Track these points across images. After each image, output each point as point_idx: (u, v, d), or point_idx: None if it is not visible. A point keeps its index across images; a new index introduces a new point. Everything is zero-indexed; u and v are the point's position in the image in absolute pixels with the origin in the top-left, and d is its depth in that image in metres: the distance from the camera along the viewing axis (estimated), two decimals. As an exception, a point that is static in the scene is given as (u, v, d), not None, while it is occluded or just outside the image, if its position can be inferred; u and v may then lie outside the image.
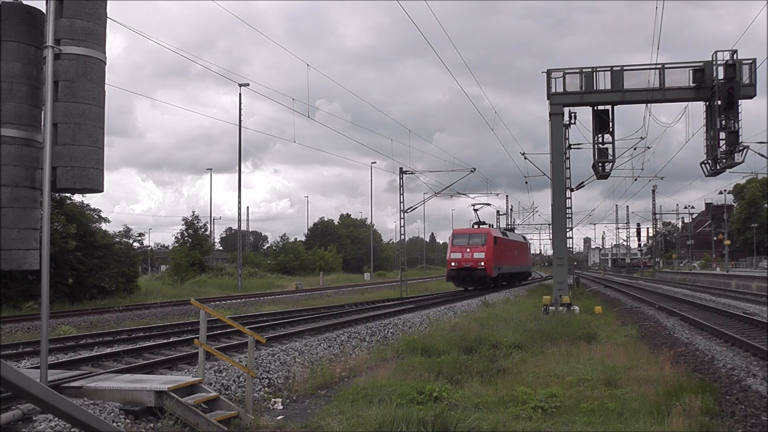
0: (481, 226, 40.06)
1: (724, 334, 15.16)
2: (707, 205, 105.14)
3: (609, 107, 24.74)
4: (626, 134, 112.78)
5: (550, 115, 24.50)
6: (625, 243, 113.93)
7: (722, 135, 23.02)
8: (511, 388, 8.93)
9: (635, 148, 27.21)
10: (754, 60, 22.91)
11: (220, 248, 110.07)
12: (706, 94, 23.34)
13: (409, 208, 39.26)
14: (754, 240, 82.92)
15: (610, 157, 25.15)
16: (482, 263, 35.74)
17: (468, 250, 36.25)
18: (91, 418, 2.13)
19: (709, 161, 23.91)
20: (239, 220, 45.82)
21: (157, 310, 24.75)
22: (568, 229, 26.79)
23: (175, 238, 52.93)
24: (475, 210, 42.81)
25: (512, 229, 53.10)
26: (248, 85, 37.28)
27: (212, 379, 9.60)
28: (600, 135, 25.08)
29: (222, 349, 11.76)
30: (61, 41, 6.93)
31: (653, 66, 23.88)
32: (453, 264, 36.50)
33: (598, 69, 24.07)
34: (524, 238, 54.13)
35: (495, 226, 47.07)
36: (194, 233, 50.55)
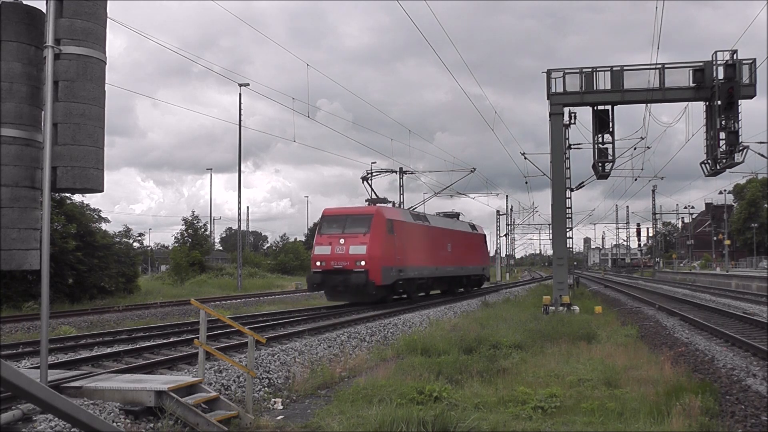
0: (375, 205, 25.99)
1: (724, 334, 15.16)
2: (707, 205, 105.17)
3: (609, 107, 24.73)
4: (626, 134, 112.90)
5: (550, 115, 24.49)
6: (625, 243, 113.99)
7: (722, 135, 23.02)
8: (511, 388, 8.93)
9: (635, 148, 27.24)
10: (754, 60, 22.91)
11: (220, 248, 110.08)
12: (706, 94, 23.33)
13: (409, 208, 39.24)
14: (754, 240, 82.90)
15: (610, 157, 25.14)
16: (362, 262, 22.40)
17: (342, 241, 23.08)
18: (91, 418, 2.13)
19: (709, 161, 23.90)
20: (239, 220, 45.81)
21: (157, 310, 24.75)
22: (568, 229, 26.79)
23: (175, 238, 52.96)
24: (366, 179, 28.00)
25: (455, 215, 36.19)
26: (248, 85, 37.22)
27: (212, 379, 9.59)
28: (600, 135, 25.07)
29: (222, 349, 11.76)
30: (61, 41, 6.93)
31: (653, 66, 23.88)
32: (318, 264, 23.13)
33: (598, 69, 24.06)
34: (474, 227, 37.78)
35: (400, 205, 29.44)
36: (194, 233, 50.55)
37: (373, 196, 27.88)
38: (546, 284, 46.26)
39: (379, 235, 23.35)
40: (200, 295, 31.79)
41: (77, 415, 2.07)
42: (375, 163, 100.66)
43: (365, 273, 22.51)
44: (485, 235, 40.05)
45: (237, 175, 31.71)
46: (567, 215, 26.15)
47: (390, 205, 27.12)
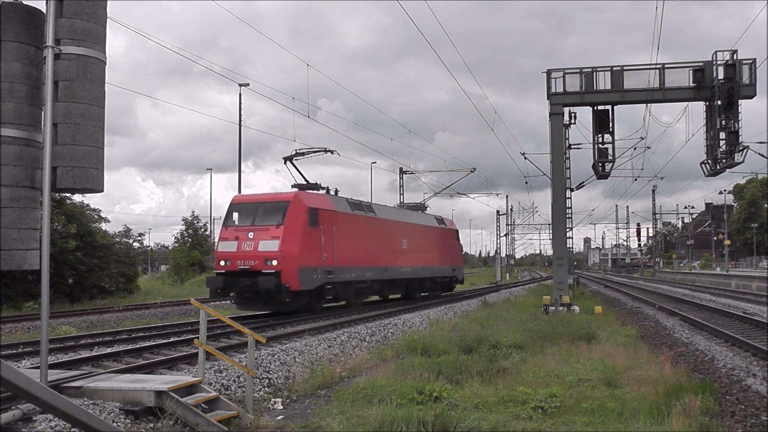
0: (297, 190, 20.83)
1: (724, 334, 15.16)
2: (707, 205, 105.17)
3: (609, 107, 24.73)
4: (626, 134, 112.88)
5: (550, 115, 24.49)
6: (625, 243, 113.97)
7: (722, 135, 23.02)
8: (511, 388, 8.93)
9: (635, 148, 27.24)
10: (754, 60, 22.91)
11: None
12: (706, 94, 23.33)
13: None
14: (754, 240, 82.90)
15: (610, 157, 25.13)
16: (273, 261, 18.11)
17: (250, 236, 18.77)
18: (91, 418, 2.13)
19: (709, 161, 23.90)
20: (239, 220, 45.62)
21: (157, 310, 24.75)
22: (568, 229, 26.79)
23: (175, 238, 52.99)
24: (290, 159, 21.89)
25: (421, 207, 31.76)
26: (248, 85, 37.17)
27: (212, 379, 9.59)
28: (600, 135, 25.06)
29: (222, 349, 11.76)
30: (61, 41, 6.93)
31: (653, 66, 23.88)
32: (222, 263, 18.81)
33: (598, 69, 24.06)
34: (441, 220, 32.07)
35: (334, 191, 22.53)
36: (194, 233, 50.57)
37: (303, 182, 21.90)
38: (546, 284, 46.26)
39: (297, 228, 18.75)
40: (200, 295, 31.79)
41: (77, 415, 2.07)
42: (375, 163, 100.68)
43: (276, 275, 17.84)
44: (457, 231, 33.99)
45: (237, 174, 31.31)
46: (567, 215, 26.15)
47: (323, 191, 21.85)
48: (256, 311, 19.85)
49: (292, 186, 21.60)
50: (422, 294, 29.57)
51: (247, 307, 19.63)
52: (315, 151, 22.41)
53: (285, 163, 22.20)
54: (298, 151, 22.20)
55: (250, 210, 19.55)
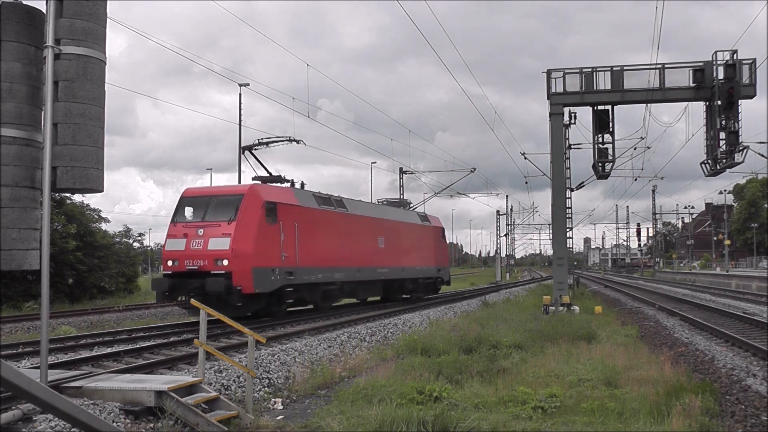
0: (253, 183, 19.49)
1: (724, 334, 15.16)
2: (707, 205, 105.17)
3: (609, 107, 24.73)
4: (626, 134, 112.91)
5: (550, 115, 24.50)
6: (625, 243, 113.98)
7: (722, 135, 23.01)
8: (511, 388, 8.93)
9: (635, 148, 27.24)
10: (754, 60, 22.91)
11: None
12: (706, 94, 23.34)
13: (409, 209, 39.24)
14: (754, 240, 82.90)
15: (610, 157, 25.14)
16: (224, 261, 16.52)
17: (200, 233, 17.07)
18: (91, 418, 2.13)
19: (709, 161, 23.90)
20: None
21: (157, 310, 24.74)
22: (568, 229, 26.79)
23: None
24: (250, 149, 20.47)
25: (403, 204, 29.70)
26: (248, 85, 37.16)
27: (212, 379, 9.60)
28: (600, 135, 25.06)
29: (222, 349, 11.77)
30: (61, 41, 6.94)
31: (653, 66, 23.88)
32: (169, 263, 17.17)
33: (598, 69, 24.07)
34: (425, 217, 30.24)
35: (300, 185, 20.79)
36: (194, 233, 50.44)
37: (267, 174, 20.21)
38: (546, 284, 46.25)
39: (252, 224, 17.09)
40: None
41: (77, 415, 2.07)
42: (375, 163, 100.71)
43: (227, 276, 16.20)
44: (443, 229, 31.78)
45: (237, 175, 31.10)
46: (567, 215, 26.15)
47: (287, 184, 20.12)
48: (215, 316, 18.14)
49: (253, 179, 20.00)
50: (404, 296, 27.71)
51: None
52: (278, 140, 20.61)
53: (243, 153, 20.47)
54: (260, 140, 20.50)
55: (201, 204, 17.70)
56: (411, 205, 30.20)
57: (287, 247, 18.27)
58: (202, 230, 17.10)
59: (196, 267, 16.75)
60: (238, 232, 16.85)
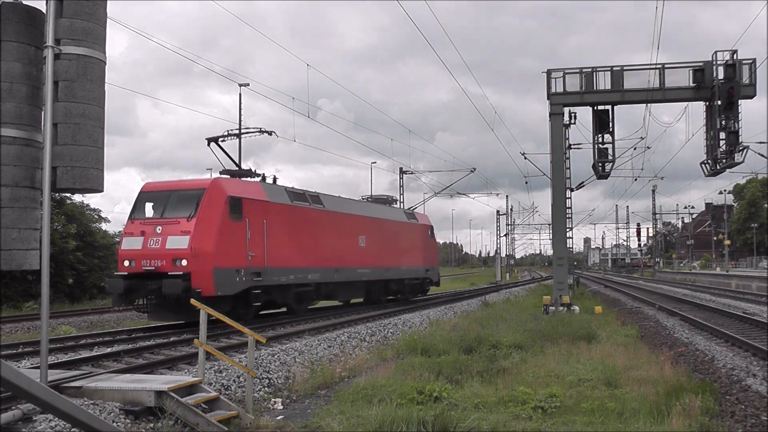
0: (217, 177, 18.03)
1: (724, 334, 15.16)
2: (707, 205, 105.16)
3: (609, 107, 24.73)
4: (626, 134, 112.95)
5: (550, 115, 24.50)
6: (625, 243, 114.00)
7: (722, 135, 23.02)
8: (511, 388, 8.93)
9: (635, 148, 27.26)
10: (754, 60, 22.91)
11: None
12: (706, 94, 23.34)
13: (409, 208, 39.23)
14: (754, 240, 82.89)
15: (610, 157, 25.14)
16: (182, 261, 15.39)
17: (158, 230, 15.96)
18: (91, 418, 2.13)
19: (709, 161, 23.91)
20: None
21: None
22: (568, 229, 26.79)
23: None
24: (215, 140, 19.08)
25: (387, 201, 28.19)
26: (248, 85, 37.10)
27: (212, 379, 9.60)
28: (600, 135, 25.07)
29: (222, 349, 11.77)
30: (61, 41, 6.94)
31: (653, 66, 23.89)
32: (126, 264, 16.01)
33: (598, 69, 24.07)
34: (412, 215, 29.20)
35: (272, 179, 19.88)
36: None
37: (234, 168, 18.83)
38: (546, 284, 46.25)
39: (213, 221, 15.89)
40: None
41: (77, 415, 2.07)
42: (375, 163, 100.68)
43: (185, 278, 15.05)
44: (431, 227, 30.41)
45: (273, 182, 30.76)
46: (567, 215, 26.15)
47: (258, 178, 18.95)
48: (168, 321, 16.71)
49: (221, 172, 18.68)
50: (389, 298, 26.57)
51: (159, 316, 16.31)
52: (249, 132, 19.49)
53: (209, 145, 18.80)
54: (229, 131, 19.53)
55: (160, 199, 16.39)
56: (397, 202, 28.78)
57: (254, 246, 17.04)
58: (160, 228, 15.89)
59: (153, 268, 15.54)
60: (199, 229, 15.63)
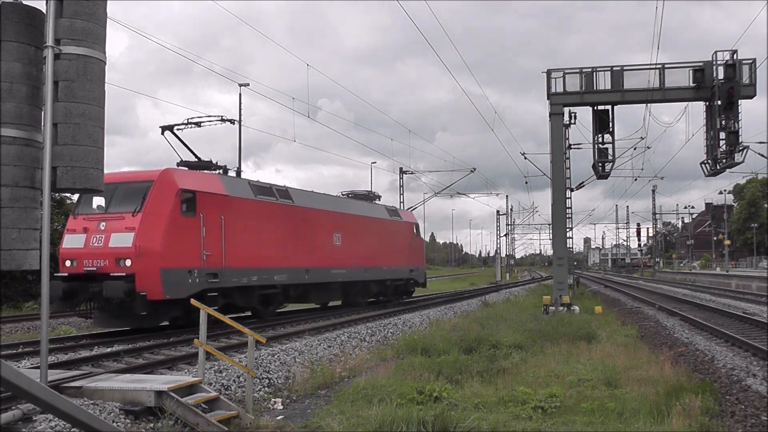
0: (168, 168, 15.79)
1: (724, 334, 15.16)
2: (707, 205, 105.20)
3: (609, 107, 24.74)
4: (626, 134, 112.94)
5: (550, 115, 24.51)
6: (625, 243, 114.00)
7: (722, 135, 23.03)
8: (511, 388, 8.93)
9: (635, 148, 27.28)
10: (754, 60, 22.92)
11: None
12: (706, 94, 23.34)
13: (409, 208, 39.28)
14: (754, 240, 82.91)
15: (610, 157, 25.15)
16: (126, 261, 14.11)
17: (102, 226, 14.64)
18: (91, 418, 2.14)
19: (709, 161, 23.91)
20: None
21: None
22: (568, 229, 26.79)
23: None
24: (170, 129, 17.11)
25: (372, 197, 26.43)
26: (248, 85, 37.07)
27: (212, 379, 9.60)
28: (600, 135, 25.08)
29: (222, 349, 11.77)
30: (61, 41, 6.94)
31: (653, 66, 23.89)
32: (67, 264, 14.95)
33: (598, 69, 24.08)
34: (395, 212, 27.46)
35: (235, 172, 19.22)
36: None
37: (193, 159, 17.16)
38: (546, 284, 46.26)
39: (162, 216, 14.49)
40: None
41: (77, 415, 2.07)
42: (375, 163, 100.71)
43: (129, 279, 13.80)
44: (416, 225, 28.84)
45: (237, 174, 30.74)
46: (567, 215, 26.15)
47: (218, 171, 17.38)
48: (112, 327, 15.26)
49: (178, 164, 16.97)
50: (369, 300, 25.21)
51: (103, 322, 14.86)
52: (210, 120, 17.65)
53: (163, 133, 17.07)
54: (189, 119, 17.53)
55: (106, 192, 14.20)
56: (380, 198, 27.05)
57: (210, 245, 15.49)
58: (104, 224, 14.51)
59: (95, 268, 14.17)
60: (145, 225, 14.22)
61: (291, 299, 19.82)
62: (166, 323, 16.32)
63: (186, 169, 16.63)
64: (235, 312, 17.42)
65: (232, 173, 18.03)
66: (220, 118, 17.70)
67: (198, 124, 17.51)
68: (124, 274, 13.91)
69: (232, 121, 18.06)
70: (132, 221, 14.27)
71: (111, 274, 13.98)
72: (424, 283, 29.58)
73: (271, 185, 19.01)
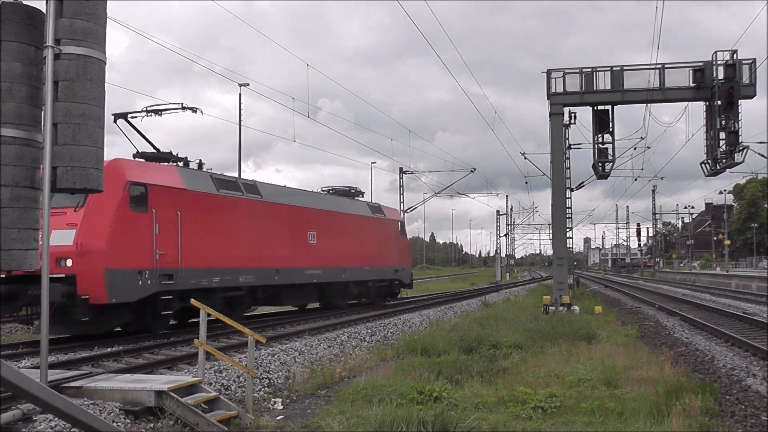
0: (117, 158, 14.34)
1: (724, 334, 15.16)
2: (707, 205, 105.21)
3: (609, 107, 24.74)
4: (626, 134, 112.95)
5: (550, 115, 24.51)
6: (625, 243, 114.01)
7: (722, 135, 23.03)
8: (511, 388, 8.93)
9: (635, 148, 27.28)
10: (754, 60, 22.91)
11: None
12: (706, 94, 23.34)
13: (409, 208, 39.35)
14: (754, 240, 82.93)
15: (610, 157, 25.15)
16: (67, 261, 12.93)
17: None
18: (91, 418, 2.14)
19: (709, 161, 23.91)
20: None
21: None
22: (568, 229, 26.79)
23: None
24: (123, 117, 15.81)
25: (353, 194, 24.61)
26: (248, 85, 37.04)
27: (212, 379, 9.60)
28: (600, 135, 25.07)
29: (222, 349, 11.77)
30: (61, 41, 6.94)
31: (653, 66, 23.89)
32: None
33: (598, 69, 24.08)
34: (378, 209, 25.72)
35: (197, 165, 17.04)
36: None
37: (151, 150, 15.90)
38: (546, 284, 46.26)
39: (108, 211, 13.37)
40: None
41: (77, 415, 2.07)
42: (375, 163, 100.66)
43: (69, 281, 12.72)
44: (402, 222, 27.46)
45: (237, 174, 30.82)
46: (567, 215, 26.15)
47: (180, 164, 16.15)
48: (55, 334, 13.64)
49: (134, 155, 15.70)
50: (350, 302, 24.01)
51: (55, 330, 13.29)
52: (169, 108, 16.28)
53: (115, 122, 15.63)
54: (147, 108, 16.29)
55: None
56: (364, 195, 25.42)
57: (164, 243, 14.25)
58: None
59: (33, 270, 12.93)
60: (88, 221, 13.11)
61: (260, 302, 18.68)
62: (119, 329, 15.00)
63: (140, 160, 15.46)
64: (197, 317, 15.76)
65: (194, 166, 16.68)
66: (180, 106, 16.44)
67: (157, 112, 16.35)
68: (63, 275, 12.63)
69: (194, 109, 16.95)
70: (74, 217, 13.15)
71: (51, 276, 12.27)
72: (411, 284, 28.36)
73: (236, 179, 18.04)
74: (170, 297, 14.44)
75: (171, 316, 15.36)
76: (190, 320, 17.05)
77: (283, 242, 18.85)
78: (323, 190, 23.82)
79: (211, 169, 17.46)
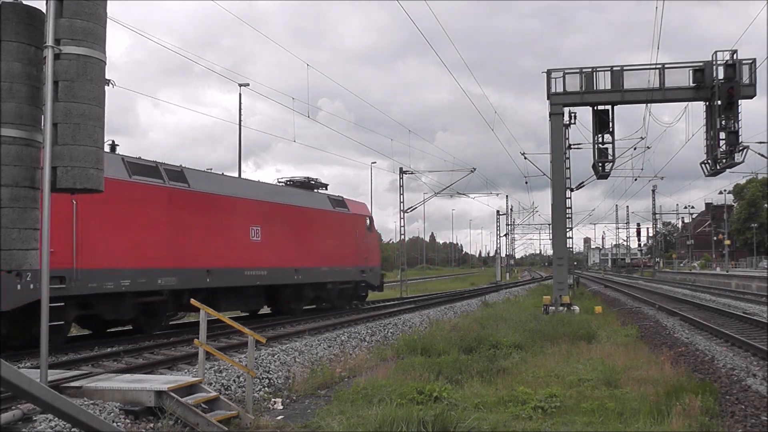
0: None
1: (724, 334, 15.16)
2: (707, 205, 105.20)
3: (609, 107, 24.75)
4: (626, 134, 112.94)
5: (550, 115, 24.51)
6: (625, 243, 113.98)
7: (722, 135, 23.03)
8: (511, 388, 8.93)
9: (635, 148, 27.27)
10: (754, 60, 22.91)
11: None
12: (706, 94, 23.35)
13: (409, 208, 39.32)
14: (754, 240, 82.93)
15: (610, 157, 25.15)
16: None
17: None
18: (91, 418, 2.14)
19: (709, 161, 23.91)
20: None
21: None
22: (568, 229, 26.79)
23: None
24: None
25: (311, 186, 22.14)
26: (248, 85, 37.05)
27: (212, 379, 9.60)
28: (600, 135, 25.08)
29: (222, 349, 11.77)
30: (61, 41, 6.94)
31: (653, 66, 23.89)
32: None
33: (598, 69, 24.07)
34: (341, 202, 23.01)
35: (109, 147, 13.90)
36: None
37: None
38: (546, 284, 46.26)
39: None
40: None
41: (77, 415, 2.07)
42: (375, 163, 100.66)
43: None
44: (369, 217, 24.71)
45: (237, 174, 30.84)
46: (567, 215, 26.15)
47: None
48: None
49: None
50: (305, 307, 21.83)
51: None
52: None
53: None
54: None
55: None
56: (327, 187, 22.90)
57: (54, 239, 10.84)
58: None
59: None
60: None
61: (185, 307, 16.20)
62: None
63: None
64: (110, 326, 14.58)
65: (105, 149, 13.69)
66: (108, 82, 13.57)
67: None
68: None
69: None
70: None
71: None
72: (381, 286, 25.70)
73: (157, 164, 15.17)
74: (62, 304, 11.94)
75: (69, 325, 13.33)
76: (108, 329, 15.36)
77: (217, 239, 16.33)
78: (279, 182, 21.42)
79: (186, 165, 16.15)
